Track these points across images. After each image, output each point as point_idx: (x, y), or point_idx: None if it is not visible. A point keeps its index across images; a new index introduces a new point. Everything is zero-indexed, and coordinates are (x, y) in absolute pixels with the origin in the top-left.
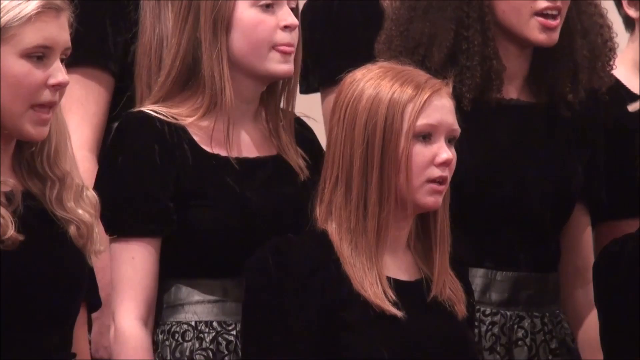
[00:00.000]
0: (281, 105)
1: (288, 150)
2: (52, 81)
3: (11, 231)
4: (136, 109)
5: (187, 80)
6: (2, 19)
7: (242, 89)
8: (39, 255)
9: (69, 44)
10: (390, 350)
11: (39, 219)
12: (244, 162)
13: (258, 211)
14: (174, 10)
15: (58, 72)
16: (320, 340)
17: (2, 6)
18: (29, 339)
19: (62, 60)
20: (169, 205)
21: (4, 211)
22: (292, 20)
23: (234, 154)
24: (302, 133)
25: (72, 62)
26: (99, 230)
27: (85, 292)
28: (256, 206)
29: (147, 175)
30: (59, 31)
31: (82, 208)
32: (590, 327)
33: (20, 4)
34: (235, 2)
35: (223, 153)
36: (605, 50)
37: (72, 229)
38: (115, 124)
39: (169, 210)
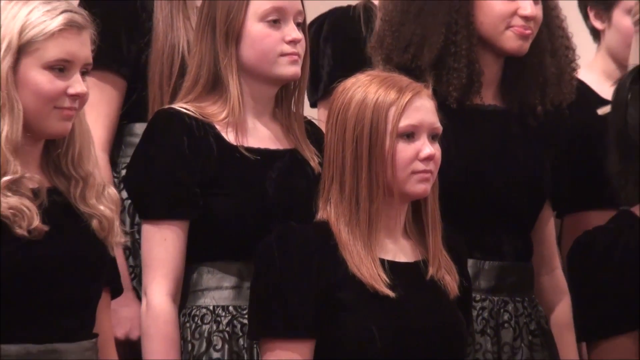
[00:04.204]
0: (292, 108)
1: (303, 146)
2: (71, 91)
3: (36, 222)
4: (167, 106)
5: (215, 85)
6: (28, 34)
7: (257, 92)
8: (63, 244)
9: (90, 59)
10: (380, 328)
11: (64, 213)
12: (264, 152)
13: (274, 201)
14: (195, 23)
15: (77, 84)
16: (318, 319)
17: (29, 22)
18: (53, 320)
19: (83, 74)
20: (196, 192)
21: (30, 204)
22: (296, 35)
23: (255, 146)
24: (314, 133)
25: None
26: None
27: (104, 279)
28: (272, 197)
29: (176, 164)
30: (79, 47)
31: (103, 204)
32: (557, 309)
33: (45, 20)
34: (245, 17)
35: (246, 145)
36: (569, 70)
37: (94, 223)
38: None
39: (196, 195)
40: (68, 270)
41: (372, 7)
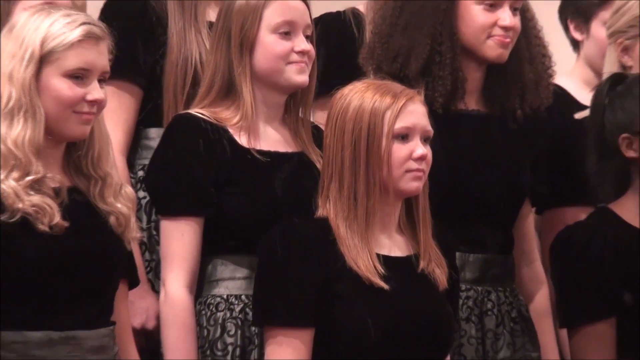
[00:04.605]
0: (300, 114)
1: (309, 150)
2: (89, 97)
3: (57, 219)
4: (184, 111)
5: (228, 91)
6: (49, 45)
7: (268, 98)
8: (82, 239)
9: (107, 68)
10: (374, 317)
11: (84, 210)
12: (274, 155)
13: (282, 200)
14: (211, 33)
15: (95, 90)
16: (317, 308)
17: (50, 34)
18: (73, 309)
19: (101, 81)
20: (211, 191)
21: (51, 202)
22: (305, 46)
23: (266, 148)
24: (320, 138)
25: (109, 77)
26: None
27: (121, 271)
28: (281, 196)
29: (193, 165)
30: (97, 56)
31: (120, 202)
32: (536, 298)
33: (65, 32)
34: (258, 28)
35: (257, 148)
36: (545, 76)
37: (112, 219)
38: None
39: (211, 194)
40: (87, 263)
41: (360, 13)
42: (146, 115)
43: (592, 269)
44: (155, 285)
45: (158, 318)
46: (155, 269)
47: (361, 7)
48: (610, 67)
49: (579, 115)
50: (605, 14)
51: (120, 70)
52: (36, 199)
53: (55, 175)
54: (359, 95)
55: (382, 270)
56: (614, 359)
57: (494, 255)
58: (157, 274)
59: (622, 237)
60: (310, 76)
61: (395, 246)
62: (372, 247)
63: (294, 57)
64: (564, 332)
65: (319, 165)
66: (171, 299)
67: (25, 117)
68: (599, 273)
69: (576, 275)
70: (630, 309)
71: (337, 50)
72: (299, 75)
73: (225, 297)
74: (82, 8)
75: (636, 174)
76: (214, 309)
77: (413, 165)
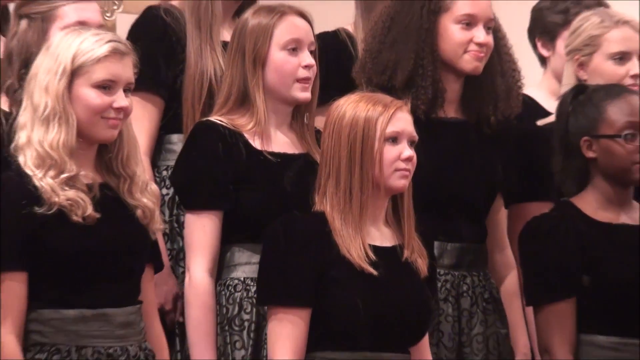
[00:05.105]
0: (305, 120)
1: (313, 151)
2: (116, 105)
3: (90, 211)
4: (204, 119)
5: (243, 101)
6: (79, 60)
7: (277, 107)
8: (112, 229)
9: (132, 79)
10: (364, 300)
11: (114, 204)
12: (283, 156)
13: (290, 196)
14: (227, 50)
15: (120, 99)
16: (313, 291)
17: (80, 50)
18: (103, 290)
19: (126, 91)
20: (229, 188)
21: (84, 196)
22: (310, 61)
23: (276, 150)
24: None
25: (134, 88)
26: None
27: (146, 257)
28: (289, 192)
29: (213, 165)
30: (122, 69)
31: (146, 197)
32: (506, 281)
33: (94, 48)
34: (269, 46)
35: (269, 150)
36: (515, 88)
37: (138, 212)
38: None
39: (229, 191)
40: (116, 250)
41: (351, 34)
42: (167, 122)
43: (555, 254)
44: (175, 271)
45: (175, 301)
46: (176, 257)
47: (349, 28)
48: (568, 80)
49: (541, 122)
50: (568, 34)
51: (145, 83)
52: (71, 193)
53: (88, 173)
54: (353, 105)
55: (373, 258)
56: (574, 333)
57: (469, 244)
58: (177, 261)
59: (582, 227)
60: (313, 88)
61: (383, 237)
62: (364, 237)
63: (301, 72)
64: (530, 311)
65: None
66: (194, 283)
67: (60, 123)
68: (561, 258)
69: (541, 260)
70: (588, 290)
71: (335, 64)
72: (302, 92)
73: (242, 279)
74: (111, 29)
75: (595, 172)
76: (232, 289)
77: (401, 165)
